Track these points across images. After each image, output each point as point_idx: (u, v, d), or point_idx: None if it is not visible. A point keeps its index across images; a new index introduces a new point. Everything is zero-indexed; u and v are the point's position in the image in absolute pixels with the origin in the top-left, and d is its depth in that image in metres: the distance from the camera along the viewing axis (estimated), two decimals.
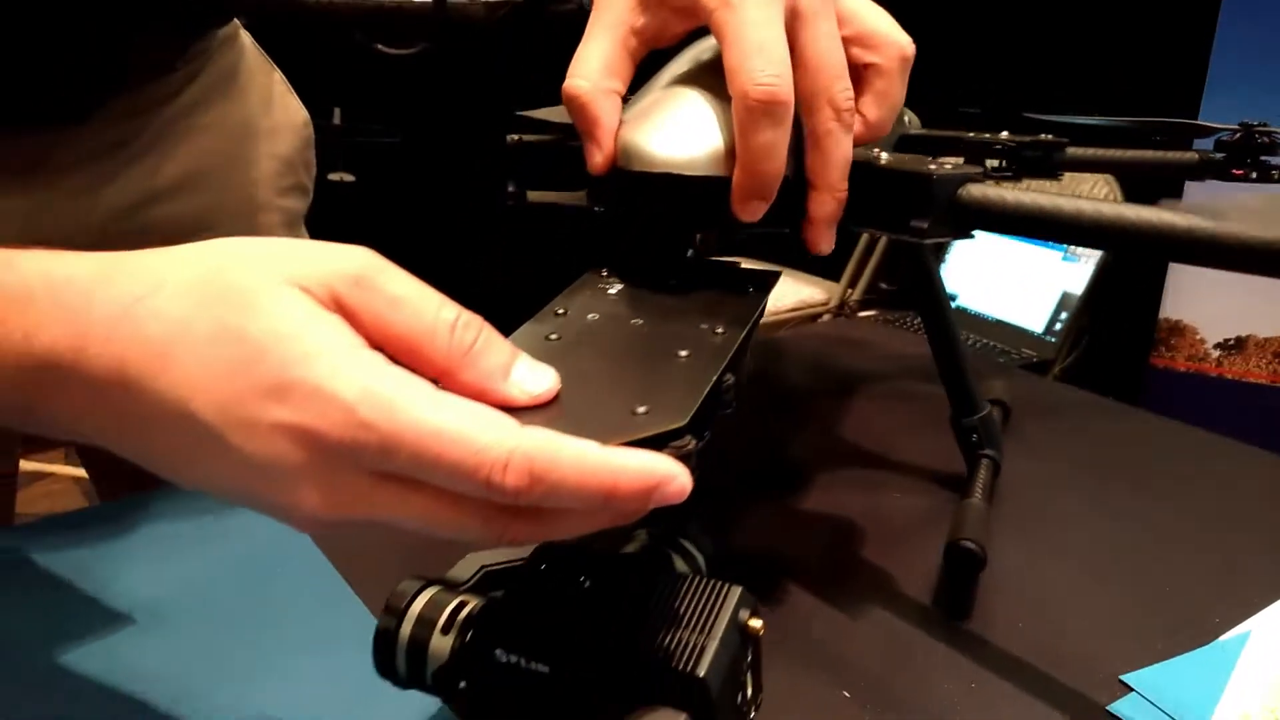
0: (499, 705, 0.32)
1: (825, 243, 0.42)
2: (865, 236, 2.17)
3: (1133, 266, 1.74)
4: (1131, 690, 0.43)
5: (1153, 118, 0.78)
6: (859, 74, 0.42)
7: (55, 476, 2.09)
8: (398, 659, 0.33)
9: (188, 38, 0.64)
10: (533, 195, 0.48)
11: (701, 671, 0.30)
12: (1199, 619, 0.47)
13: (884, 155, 0.42)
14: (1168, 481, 0.61)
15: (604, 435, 0.28)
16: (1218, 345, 1.73)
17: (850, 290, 2.21)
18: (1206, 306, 1.73)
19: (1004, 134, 0.61)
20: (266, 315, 0.28)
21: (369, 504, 0.28)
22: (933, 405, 0.59)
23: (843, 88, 0.39)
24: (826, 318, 2.14)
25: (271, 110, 0.72)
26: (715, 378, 0.32)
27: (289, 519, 0.29)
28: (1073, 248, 1.78)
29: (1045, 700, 0.42)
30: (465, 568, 0.35)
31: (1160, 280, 1.75)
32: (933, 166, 0.40)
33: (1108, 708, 0.41)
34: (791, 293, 2.20)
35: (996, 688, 0.42)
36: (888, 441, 0.65)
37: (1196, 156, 0.71)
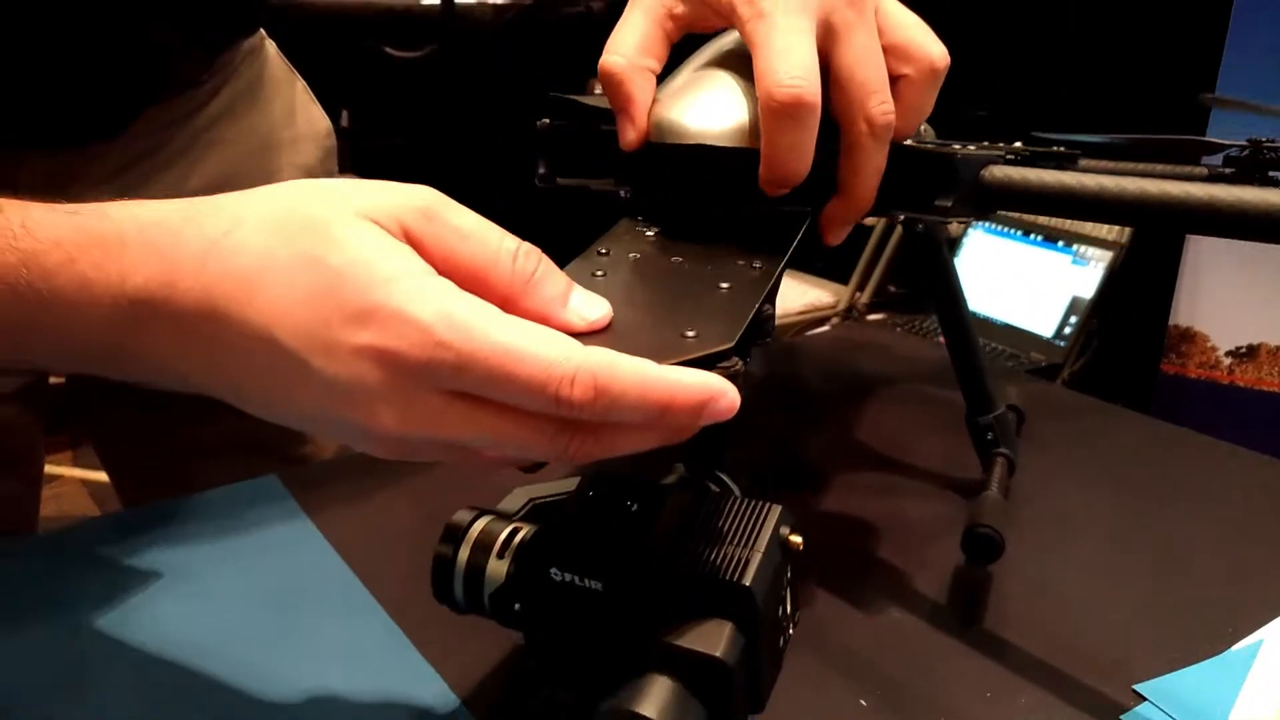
0: (554, 623, 0.33)
1: (838, 240, 0.43)
2: (874, 239, 2.19)
3: (1143, 272, 1.75)
4: (1145, 699, 0.43)
5: (1161, 135, 0.79)
6: (891, 83, 0.42)
7: (63, 479, 2.10)
8: (455, 585, 0.34)
9: (216, 52, 0.66)
10: (562, 180, 0.48)
11: (747, 581, 0.31)
12: (1212, 628, 0.48)
13: (907, 140, 0.43)
14: (1180, 489, 0.61)
15: (658, 356, 0.29)
16: (1229, 353, 1.72)
17: (859, 293, 2.22)
18: (1218, 314, 1.72)
19: (1018, 144, 0.62)
20: (343, 244, 0.29)
21: (442, 422, 0.29)
22: (945, 409, 0.59)
23: (878, 102, 0.40)
24: (835, 320, 2.15)
25: (294, 120, 0.73)
26: (756, 305, 0.33)
27: (366, 439, 0.30)
28: (1082, 251, 1.78)
29: (1059, 710, 0.42)
30: (514, 500, 0.36)
31: (1171, 287, 1.76)
32: (956, 147, 0.41)
33: (1121, 717, 0.42)
34: (800, 295, 2.22)
35: (1011, 697, 0.43)
36: (901, 446, 0.65)
37: (1206, 172, 0.71)
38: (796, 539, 0.33)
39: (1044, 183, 0.38)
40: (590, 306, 0.32)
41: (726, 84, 0.41)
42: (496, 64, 2.47)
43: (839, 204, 0.42)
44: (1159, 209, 0.36)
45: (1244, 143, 0.70)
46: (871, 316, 2.17)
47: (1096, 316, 1.78)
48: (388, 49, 2.50)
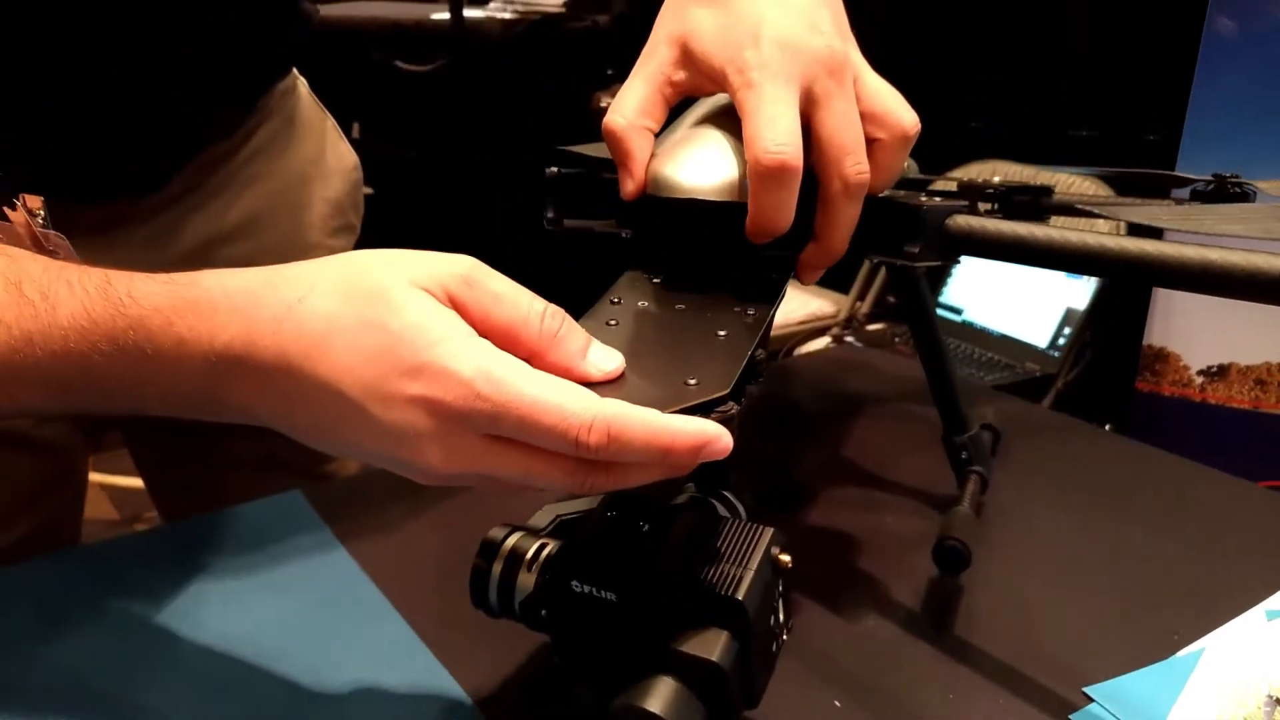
0: (575, 628, 0.39)
1: (812, 280, 0.48)
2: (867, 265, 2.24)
3: (1124, 292, 1.80)
4: (1093, 700, 0.47)
5: (1133, 169, 0.83)
6: (867, 146, 0.46)
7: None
8: (490, 593, 0.40)
9: (254, 98, 0.70)
10: (568, 222, 0.52)
11: (740, 595, 0.37)
12: (1159, 635, 0.51)
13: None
14: (1142, 505, 0.65)
15: (664, 404, 0.35)
16: (1201, 372, 1.77)
17: (859, 303, 2.27)
18: (1190, 334, 1.77)
19: (996, 179, 0.66)
20: (400, 310, 0.35)
21: (480, 460, 0.35)
22: (927, 428, 0.63)
23: (853, 163, 0.44)
24: (836, 329, 2.20)
25: (324, 156, 0.77)
26: (749, 353, 0.39)
27: (414, 472, 0.36)
28: None
29: (1015, 709, 0.46)
30: (542, 517, 0.42)
31: (1145, 308, 1.80)
32: (923, 199, 0.45)
33: (1070, 716, 0.46)
34: (801, 305, 2.26)
35: (972, 697, 0.47)
36: (884, 462, 0.69)
37: (1173, 204, 0.73)
38: (786, 558, 0.39)
39: (1001, 233, 0.43)
40: (605, 359, 0.37)
41: (717, 142, 0.46)
42: (505, 77, 2.52)
43: (815, 250, 0.47)
44: (1103, 261, 0.41)
45: (1209, 177, 0.74)
46: (871, 326, 2.21)
47: (1090, 328, 1.81)
48: (398, 63, 2.54)
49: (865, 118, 0.46)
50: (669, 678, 0.37)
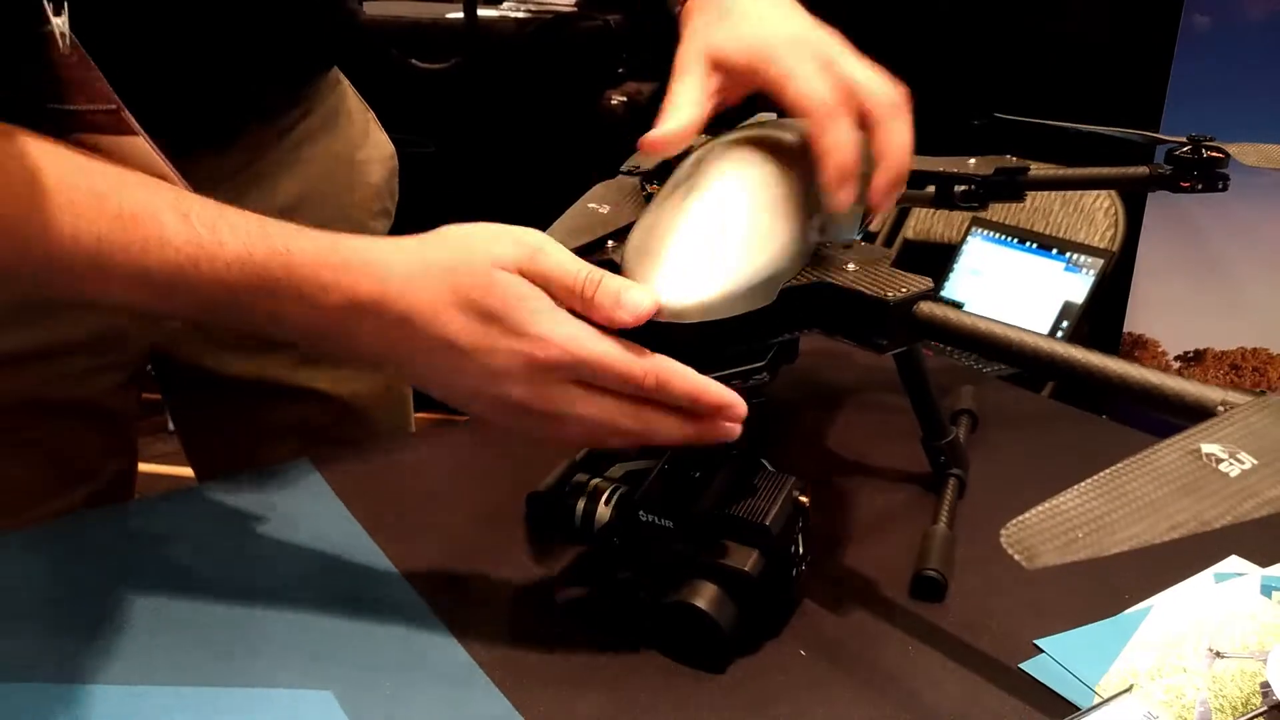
0: (640, 550, 0.51)
1: (887, 207, 0.55)
2: (878, 242, 2.34)
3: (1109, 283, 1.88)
4: (1041, 651, 0.51)
5: (1113, 127, 0.87)
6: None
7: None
8: (576, 524, 0.53)
9: (299, 85, 0.78)
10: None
11: (767, 522, 0.49)
12: (1111, 594, 0.55)
13: (850, 265, 0.50)
14: None
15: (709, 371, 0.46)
16: (1178, 357, 1.86)
17: None
18: (1167, 321, 1.86)
19: (972, 162, 0.70)
20: (504, 288, 0.47)
21: (556, 398, 0.47)
22: (906, 419, 0.66)
23: (881, 86, 0.53)
24: None
25: (366, 144, 0.85)
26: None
27: (497, 406, 0.48)
28: (1075, 258, 1.87)
29: (970, 658, 0.51)
30: (616, 470, 0.55)
31: (1124, 296, 1.88)
32: (889, 293, 0.47)
33: (1020, 664, 0.50)
34: None
35: (931, 649, 0.51)
36: (862, 449, 0.72)
37: (1147, 170, 0.76)
38: (804, 498, 0.52)
39: (962, 324, 0.47)
40: (638, 299, 0.47)
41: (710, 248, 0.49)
42: (518, 74, 2.58)
43: (881, 175, 0.53)
44: (1051, 365, 0.44)
45: (1184, 139, 0.73)
46: None
47: (1087, 321, 1.86)
48: (414, 61, 2.62)
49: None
50: (711, 583, 0.49)
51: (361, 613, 0.54)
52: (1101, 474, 0.35)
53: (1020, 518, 0.34)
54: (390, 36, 2.61)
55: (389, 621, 0.53)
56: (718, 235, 0.49)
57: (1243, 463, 0.33)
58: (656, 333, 0.47)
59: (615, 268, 0.51)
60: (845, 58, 0.54)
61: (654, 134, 0.54)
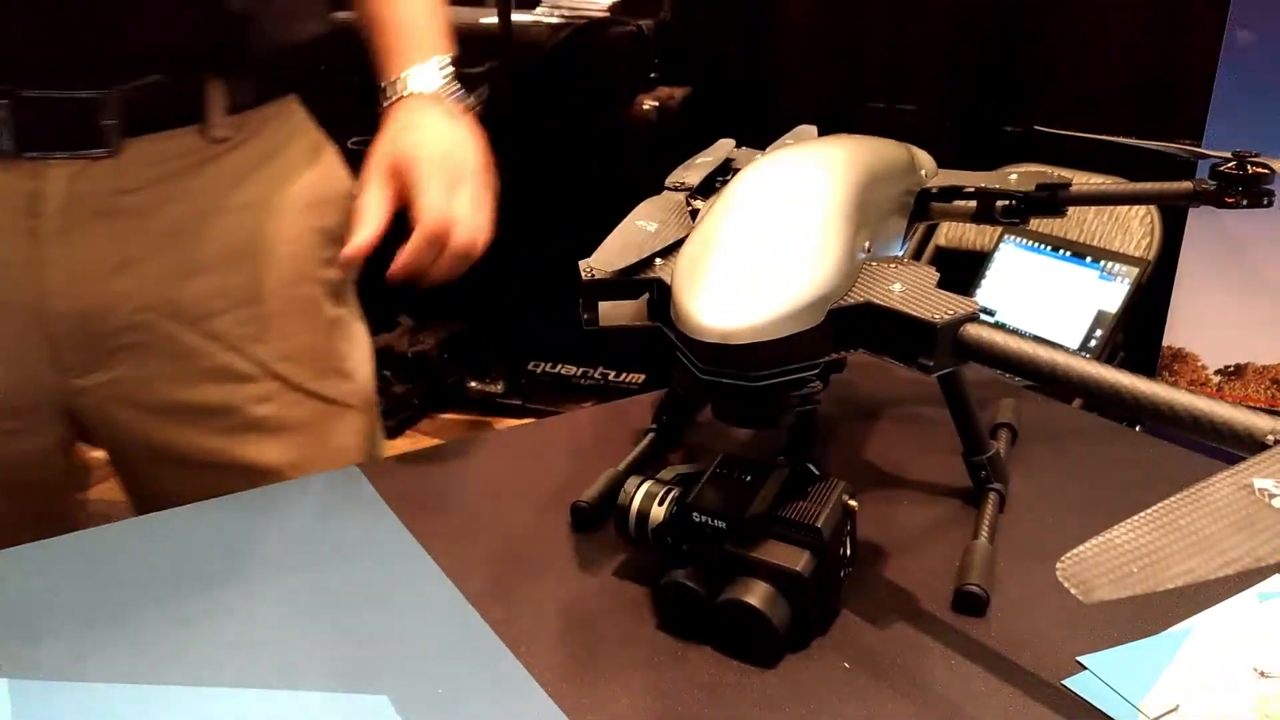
0: (694, 549, 0.52)
1: (394, 275, 0.69)
2: (907, 255, 2.33)
3: (1141, 295, 1.87)
4: (1085, 669, 0.51)
5: (1156, 141, 0.86)
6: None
7: None
8: (630, 524, 0.53)
9: (249, 98, 0.75)
10: (604, 319, 0.57)
11: (819, 524, 0.50)
12: (1154, 615, 0.55)
13: (897, 286, 0.50)
14: (1154, 495, 0.63)
15: None
16: (1218, 371, 1.84)
17: None
18: (1207, 335, 1.84)
19: (1013, 177, 0.69)
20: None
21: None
22: (948, 428, 0.65)
23: (468, 235, 0.71)
24: None
25: (319, 184, 0.81)
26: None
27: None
28: (1109, 267, 1.85)
29: (1013, 674, 0.51)
30: (668, 473, 0.56)
31: (1164, 310, 1.87)
32: (936, 316, 0.47)
33: (1063, 681, 0.50)
34: None
35: (973, 663, 0.52)
36: (902, 461, 0.73)
37: (1190, 186, 0.74)
38: (853, 503, 0.52)
39: (1007, 347, 0.47)
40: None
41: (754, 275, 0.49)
42: (551, 79, 2.61)
43: (407, 260, 0.69)
44: (1095, 390, 0.44)
45: (1228, 155, 0.72)
46: None
47: (1121, 330, 1.84)
48: None
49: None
50: (763, 581, 0.50)
51: (412, 619, 0.55)
52: (1154, 507, 0.35)
53: (1074, 551, 0.34)
54: None
55: (439, 627, 0.55)
56: (766, 256, 0.49)
57: None
58: (709, 350, 0.48)
59: (664, 286, 0.52)
60: (469, 184, 0.72)
61: (348, 249, 0.68)
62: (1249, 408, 0.40)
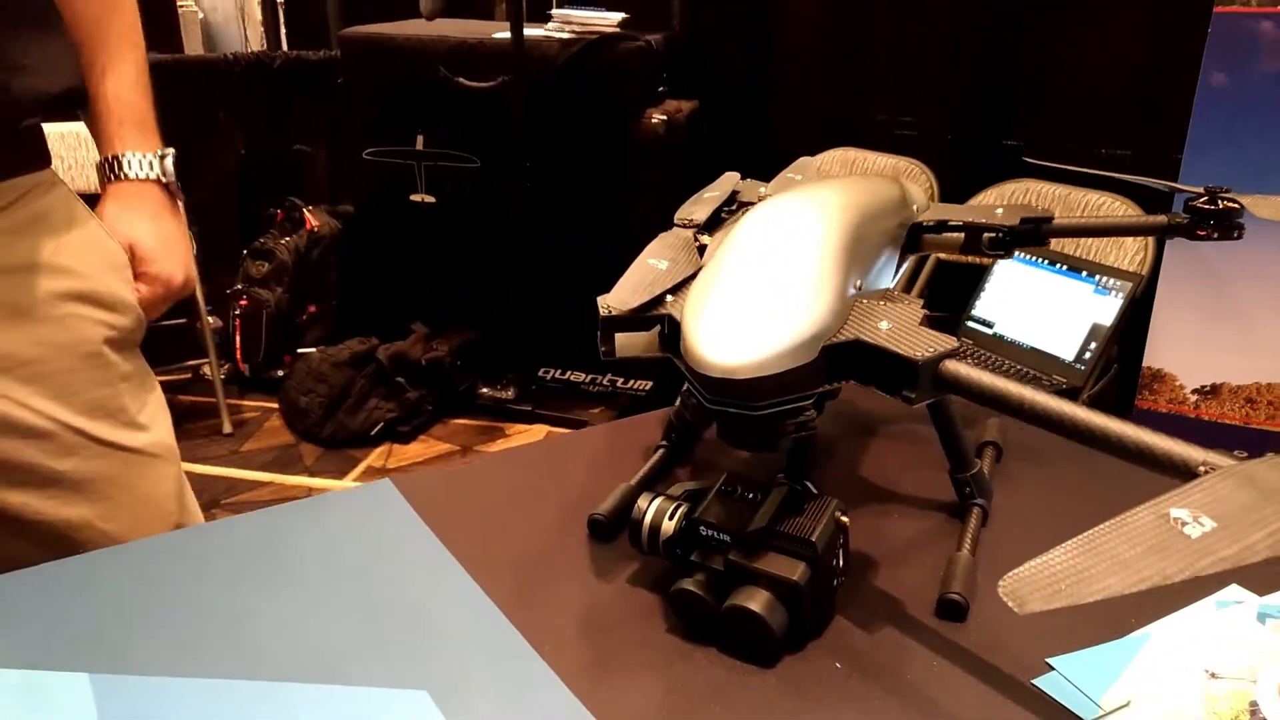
0: (701, 559, 0.58)
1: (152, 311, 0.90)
2: (908, 268, 2.38)
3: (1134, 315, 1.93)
4: (1053, 669, 0.56)
5: (1135, 175, 0.90)
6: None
7: None
8: (643, 536, 0.59)
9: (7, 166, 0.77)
10: (620, 350, 0.61)
11: (814, 538, 0.55)
12: (1119, 619, 0.59)
13: (884, 324, 0.55)
14: (1122, 511, 0.67)
15: None
16: (1195, 391, 1.92)
17: None
18: (1185, 357, 1.92)
19: (999, 211, 0.72)
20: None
21: None
22: (936, 446, 0.69)
23: (168, 290, 0.92)
24: None
25: (83, 252, 0.83)
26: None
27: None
28: (1104, 281, 1.89)
29: (989, 674, 0.56)
30: (677, 489, 0.62)
31: (1144, 331, 1.94)
32: (918, 353, 0.52)
33: (1033, 680, 0.56)
34: None
35: (953, 664, 0.57)
36: (892, 476, 0.77)
37: (1165, 219, 0.79)
38: (845, 518, 0.58)
39: (981, 383, 0.52)
40: None
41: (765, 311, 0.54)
42: (562, 92, 2.65)
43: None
44: (1060, 424, 0.50)
45: (1201, 190, 0.76)
46: None
47: (1115, 343, 1.87)
48: (461, 79, 2.70)
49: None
50: (763, 590, 0.55)
51: (445, 620, 0.60)
52: (1085, 534, 0.40)
53: (1014, 571, 0.39)
54: (438, 56, 2.69)
55: (470, 628, 0.60)
56: (766, 298, 0.54)
57: (1204, 526, 0.39)
58: (714, 383, 0.53)
59: (674, 321, 0.58)
60: (178, 254, 0.90)
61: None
62: (1184, 442, 0.46)
